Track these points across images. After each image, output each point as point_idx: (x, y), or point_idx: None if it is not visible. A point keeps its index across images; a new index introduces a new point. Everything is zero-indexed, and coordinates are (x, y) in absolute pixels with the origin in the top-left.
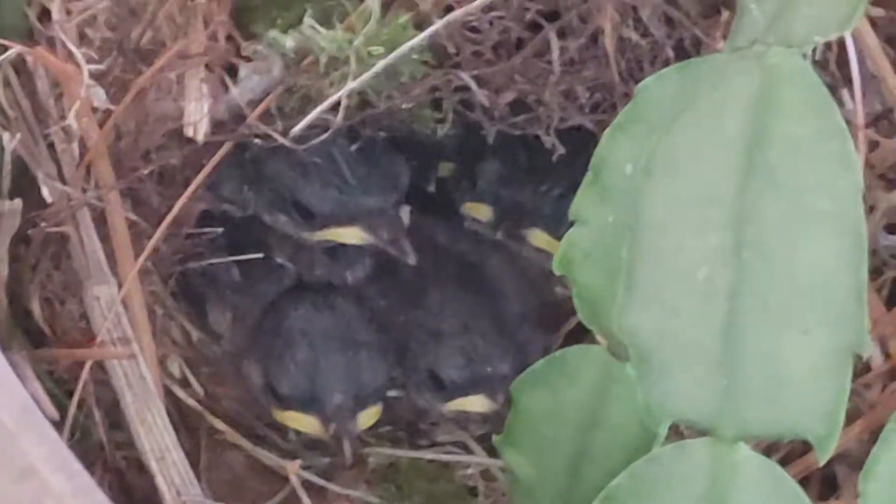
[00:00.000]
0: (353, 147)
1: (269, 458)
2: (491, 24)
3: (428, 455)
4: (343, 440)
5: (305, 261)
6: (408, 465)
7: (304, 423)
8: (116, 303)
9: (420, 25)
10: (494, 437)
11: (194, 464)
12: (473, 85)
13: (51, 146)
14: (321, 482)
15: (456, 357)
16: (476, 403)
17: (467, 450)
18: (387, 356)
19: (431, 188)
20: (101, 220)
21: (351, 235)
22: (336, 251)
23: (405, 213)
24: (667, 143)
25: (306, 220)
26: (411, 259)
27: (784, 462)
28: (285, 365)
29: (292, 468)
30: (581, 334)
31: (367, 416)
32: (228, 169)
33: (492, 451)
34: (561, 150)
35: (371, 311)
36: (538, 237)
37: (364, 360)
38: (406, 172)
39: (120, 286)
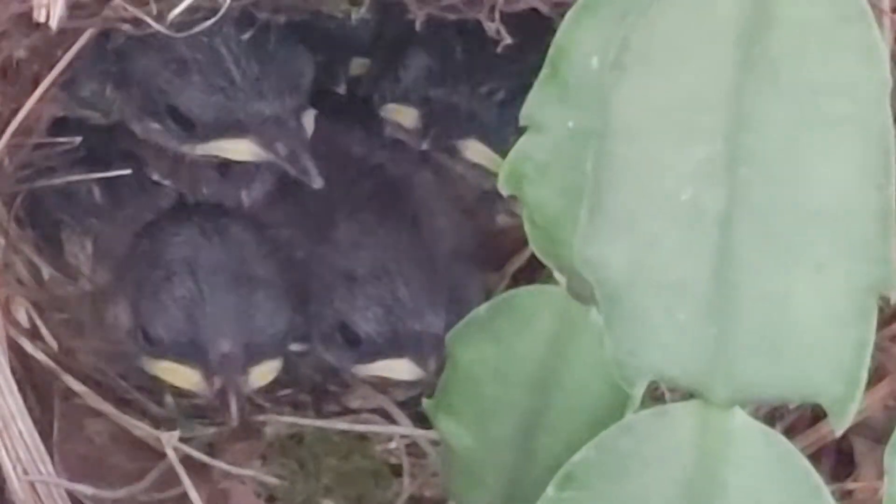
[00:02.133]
0: (243, 37)
1: (140, 427)
2: None
3: (339, 425)
4: (229, 398)
5: (188, 178)
6: (314, 437)
7: (181, 376)
8: None
9: None
10: (424, 402)
11: (45, 435)
12: None
13: None
14: (204, 458)
15: (374, 307)
16: (400, 369)
17: (388, 418)
18: (289, 298)
19: (342, 88)
20: None
21: (240, 150)
22: (228, 166)
23: (309, 120)
24: (643, 28)
25: (185, 131)
26: (316, 182)
27: (791, 432)
28: (160, 302)
29: (169, 440)
30: (533, 273)
31: (262, 373)
32: (88, 64)
33: (420, 420)
34: (507, 39)
35: (271, 242)
36: (475, 150)
37: (260, 300)
38: (310, 68)
39: None
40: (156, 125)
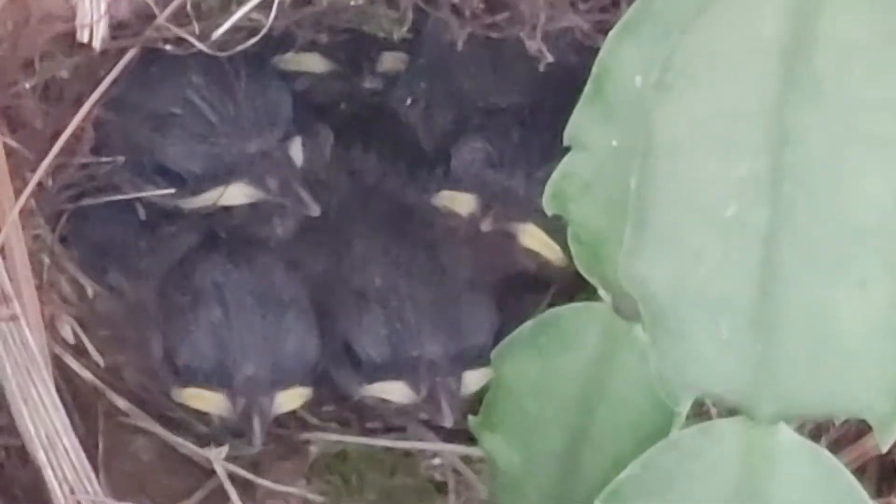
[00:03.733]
0: (210, 78)
1: (186, 445)
2: None
3: (382, 442)
4: (253, 418)
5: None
6: (358, 454)
7: (209, 401)
8: None
9: None
10: (469, 419)
11: (91, 453)
12: None
13: None
14: (250, 476)
15: (377, 329)
16: (396, 392)
17: (434, 435)
18: (319, 326)
19: (373, 82)
20: None
21: (234, 195)
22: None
23: (296, 148)
24: (686, 47)
25: (177, 187)
26: (313, 210)
27: (835, 448)
28: (187, 329)
29: (216, 456)
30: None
31: (290, 398)
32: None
33: (464, 437)
34: (549, 58)
35: (299, 267)
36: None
37: (289, 325)
38: (286, 97)
39: None
40: (149, 186)
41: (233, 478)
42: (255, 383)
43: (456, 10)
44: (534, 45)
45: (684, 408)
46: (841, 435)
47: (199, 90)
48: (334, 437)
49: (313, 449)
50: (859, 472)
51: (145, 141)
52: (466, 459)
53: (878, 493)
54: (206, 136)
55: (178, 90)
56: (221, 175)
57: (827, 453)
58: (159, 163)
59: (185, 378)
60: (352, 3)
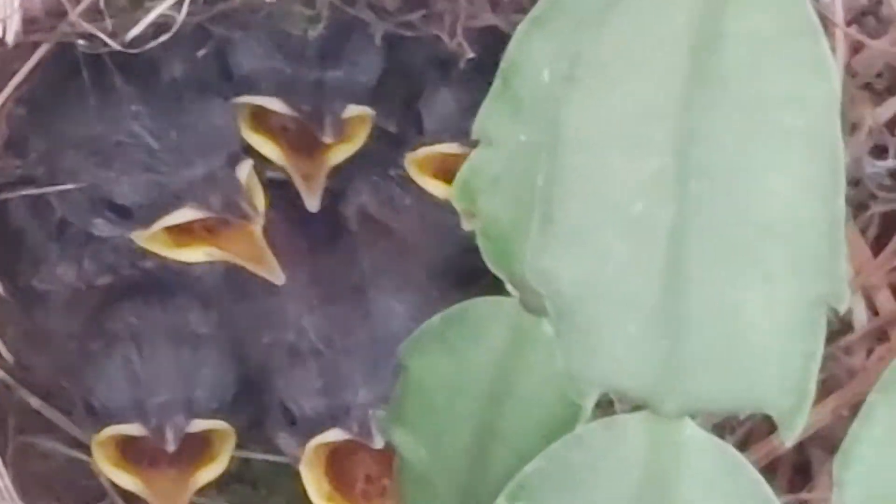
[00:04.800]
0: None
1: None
2: None
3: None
4: (165, 428)
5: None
6: (266, 461)
7: (126, 434)
8: None
9: None
10: (377, 414)
11: (2, 452)
12: None
13: None
14: None
15: (312, 383)
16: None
17: None
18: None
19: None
20: None
21: (180, 218)
22: None
23: (245, 170)
24: (595, 42)
25: (127, 219)
26: (256, 220)
27: (743, 444)
28: (101, 371)
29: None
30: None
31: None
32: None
33: None
34: (469, 54)
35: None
36: None
37: (201, 359)
38: (230, 117)
39: None
40: (98, 220)
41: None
42: (168, 405)
43: (372, 7)
44: (453, 42)
45: (590, 403)
46: (748, 431)
47: (139, 117)
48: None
49: None
50: (770, 468)
51: (90, 176)
52: None
53: (790, 489)
54: (148, 164)
55: (119, 118)
56: (169, 202)
57: (732, 449)
58: (106, 198)
59: (103, 418)
60: None
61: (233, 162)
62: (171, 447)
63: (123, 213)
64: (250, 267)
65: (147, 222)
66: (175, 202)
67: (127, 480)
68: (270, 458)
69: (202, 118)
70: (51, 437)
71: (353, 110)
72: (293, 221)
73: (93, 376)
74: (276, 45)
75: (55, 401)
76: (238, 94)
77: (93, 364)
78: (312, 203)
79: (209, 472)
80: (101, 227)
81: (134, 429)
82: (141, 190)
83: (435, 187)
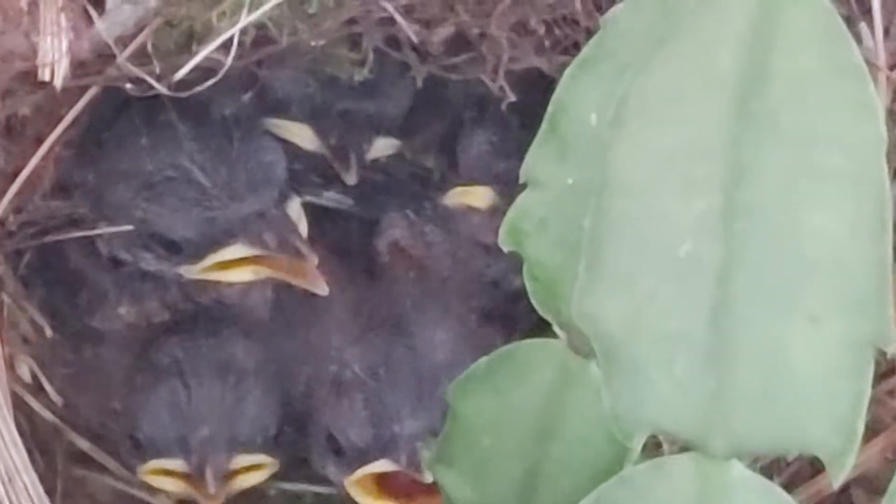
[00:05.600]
0: (202, 140)
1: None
2: None
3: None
4: (206, 469)
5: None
6: (315, 498)
7: (170, 469)
8: None
9: None
10: (425, 455)
11: (50, 491)
12: (399, 16)
13: None
14: None
15: (358, 413)
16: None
17: None
18: (277, 397)
19: (352, 177)
20: None
21: (233, 254)
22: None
23: (294, 208)
24: (641, 85)
25: (175, 254)
26: (311, 259)
27: (789, 485)
28: (147, 406)
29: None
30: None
31: (248, 461)
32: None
33: None
34: (511, 97)
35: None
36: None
37: (245, 394)
38: (280, 157)
39: None
40: (147, 255)
41: None
42: (210, 442)
43: (417, 50)
44: (495, 85)
45: (637, 444)
46: (797, 472)
47: (191, 154)
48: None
49: (271, 493)
50: None
51: (139, 210)
52: None
53: None
54: (200, 200)
55: (170, 154)
56: (219, 239)
57: (779, 489)
58: (156, 232)
59: (147, 452)
60: (312, 43)
61: (283, 198)
62: (212, 489)
63: (173, 248)
64: (295, 282)
65: (197, 257)
66: (226, 238)
67: None
68: (317, 489)
69: (252, 155)
70: (99, 472)
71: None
72: (331, 252)
73: (139, 410)
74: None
75: (102, 440)
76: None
77: (139, 398)
78: None
79: None
80: (150, 261)
81: (178, 464)
82: (191, 225)
83: None
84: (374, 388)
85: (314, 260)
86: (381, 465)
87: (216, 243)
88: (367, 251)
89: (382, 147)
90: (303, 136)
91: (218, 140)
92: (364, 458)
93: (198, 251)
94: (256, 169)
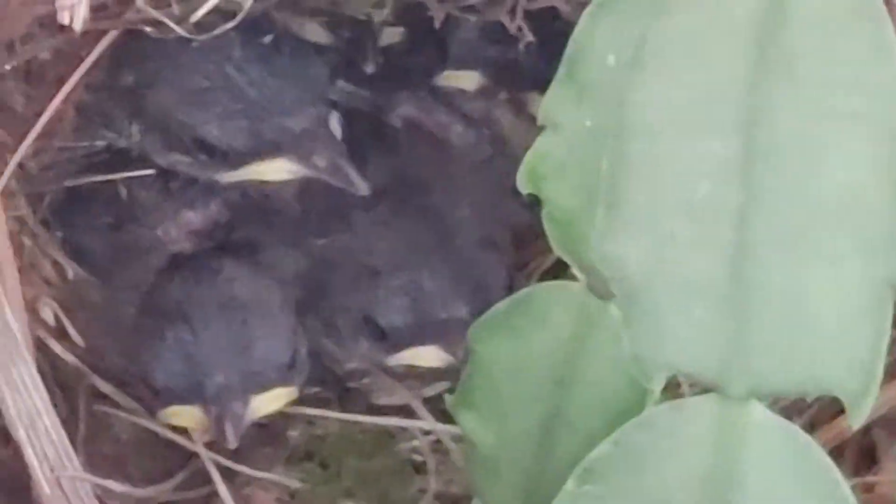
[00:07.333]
0: (250, 52)
1: (166, 431)
2: None
3: (360, 418)
4: (225, 423)
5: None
6: (337, 438)
7: (187, 417)
8: None
9: None
10: (446, 397)
11: (72, 433)
12: None
13: None
14: (229, 463)
15: (398, 298)
16: (428, 356)
17: (414, 416)
18: (290, 324)
19: (370, 66)
20: None
21: (276, 170)
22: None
23: (335, 123)
24: (659, 26)
25: (215, 161)
26: (362, 188)
27: (810, 426)
28: (157, 352)
29: (199, 439)
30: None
31: (268, 401)
32: (104, 99)
33: (445, 417)
34: (529, 37)
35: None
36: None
37: (256, 330)
38: (325, 72)
39: None
40: (184, 158)
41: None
42: (226, 391)
43: None
44: (513, 25)
45: (657, 386)
46: (819, 414)
47: (239, 64)
48: (312, 411)
49: (293, 434)
50: (837, 451)
51: (184, 115)
52: (454, 438)
53: (855, 472)
54: (248, 110)
55: (216, 61)
56: (264, 150)
57: (800, 430)
58: (199, 137)
59: (163, 399)
60: None
61: (326, 116)
62: (231, 444)
63: (214, 154)
64: (333, 181)
65: (237, 165)
66: (270, 151)
67: None
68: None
69: (300, 70)
70: (121, 419)
71: None
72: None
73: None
74: None
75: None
76: None
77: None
78: None
79: None
80: (187, 165)
81: (199, 421)
82: (237, 133)
83: None
84: (412, 272)
85: (365, 189)
86: (428, 351)
87: (260, 154)
88: (383, 131)
89: (389, 35)
90: (313, 31)
91: (265, 49)
92: (408, 340)
93: (239, 160)
94: (303, 80)
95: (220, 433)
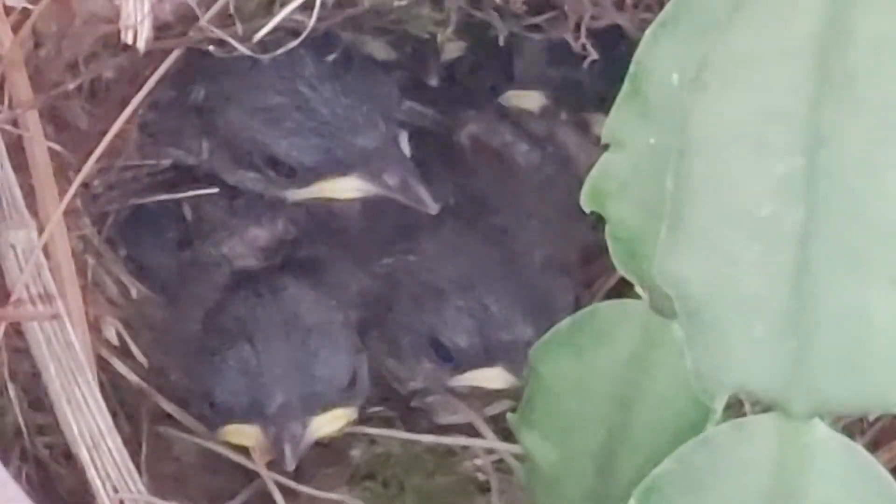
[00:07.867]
0: (321, 70)
1: (228, 451)
2: None
3: (423, 438)
4: (284, 444)
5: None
6: (400, 457)
7: (246, 436)
8: (37, 251)
9: None
10: (508, 416)
11: (134, 453)
12: None
13: None
14: (292, 483)
15: (464, 319)
16: (492, 378)
17: (475, 434)
18: (351, 345)
19: (433, 79)
20: (16, 149)
21: (346, 188)
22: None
23: (404, 142)
24: (722, 45)
25: (285, 177)
26: (432, 207)
27: (872, 445)
28: (219, 369)
29: (261, 460)
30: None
31: (328, 421)
32: (173, 116)
33: (508, 436)
34: (593, 55)
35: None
36: None
37: (317, 350)
38: (394, 91)
39: (41, 230)
40: (252, 174)
41: (275, 485)
42: (286, 410)
43: (499, 10)
44: (577, 44)
45: (719, 404)
46: (878, 432)
47: (310, 82)
48: (374, 431)
49: (356, 454)
50: None
51: (255, 132)
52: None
53: None
54: (319, 128)
55: (288, 79)
56: (334, 168)
57: (862, 450)
58: (270, 154)
59: (223, 416)
60: (395, 3)
61: (396, 134)
62: (289, 466)
63: (285, 172)
64: (403, 199)
65: (307, 183)
66: (340, 169)
67: None
68: (406, 436)
69: (370, 88)
70: (183, 439)
71: None
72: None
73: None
74: None
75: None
76: None
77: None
78: None
79: None
80: (255, 182)
81: (257, 439)
82: (308, 150)
83: None
84: (477, 292)
85: (435, 208)
86: (493, 373)
87: (330, 172)
88: (450, 150)
89: (451, 50)
90: (377, 48)
91: (337, 68)
92: (474, 362)
93: (309, 178)
94: (375, 100)
95: (278, 453)
